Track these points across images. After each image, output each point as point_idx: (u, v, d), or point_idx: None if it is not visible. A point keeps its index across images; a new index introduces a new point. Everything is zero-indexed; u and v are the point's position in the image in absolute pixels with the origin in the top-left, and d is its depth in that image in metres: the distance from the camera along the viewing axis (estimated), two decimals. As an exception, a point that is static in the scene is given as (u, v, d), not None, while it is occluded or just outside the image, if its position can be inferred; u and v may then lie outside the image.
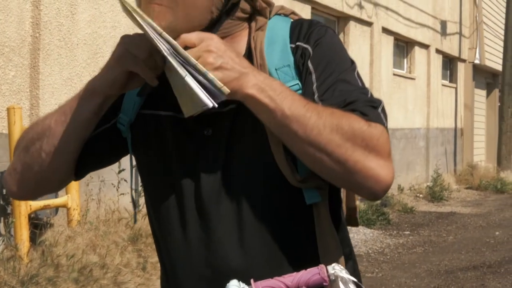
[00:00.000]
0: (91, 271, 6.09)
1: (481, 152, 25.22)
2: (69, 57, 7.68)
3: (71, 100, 1.79)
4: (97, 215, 7.46)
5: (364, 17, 14.72)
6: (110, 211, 7.61)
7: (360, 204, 12.40)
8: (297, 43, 1.77)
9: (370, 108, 1.66)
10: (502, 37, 22.24)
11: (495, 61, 24.79)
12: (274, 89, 1.61)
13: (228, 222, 1.73)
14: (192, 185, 1.76)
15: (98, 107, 1.75)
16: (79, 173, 1.88)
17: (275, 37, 1.79)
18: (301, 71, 1.75)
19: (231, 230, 1.73)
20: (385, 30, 15.97)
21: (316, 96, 1.70)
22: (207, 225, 1.74)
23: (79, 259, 6.18)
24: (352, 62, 1.80)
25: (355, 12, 14.29)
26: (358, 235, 11.05)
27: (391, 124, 16.04)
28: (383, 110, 1.70)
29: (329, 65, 1.74)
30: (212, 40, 1.61)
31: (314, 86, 1.71)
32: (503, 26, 22.37)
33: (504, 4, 22.32)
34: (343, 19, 14.25)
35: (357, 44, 14.59)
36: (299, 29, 1.80)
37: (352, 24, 14.36)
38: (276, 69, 1.75)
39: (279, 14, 1.86)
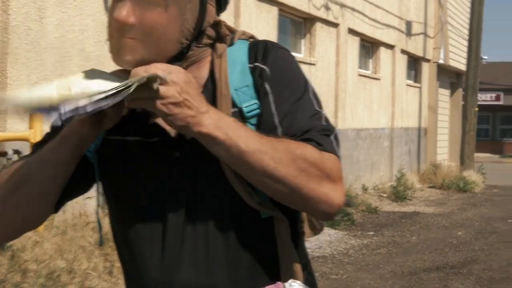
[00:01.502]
0: (58, 276, 6.10)
1: (444, 151, 25.45)
2: (37, 61, 7.66)
3: (51, 143, 1.80)
4: (64, 219, 7.45)
5: (331, 18, 14.81)
6: (78, 215, 7.61)
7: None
8: (255, 64, 1.83)
9: (324, 137, 1.75)
10: (467, 37, 22.48)
11: (459, 61, 25.02)
12: (230, 126, 1.67)
13: (195, 243, 1.78)
14: (159, 208, 1.80)
15: (75, 148, 1.77)
16: (57, 207, 1.90)
17: (235, 59, 1.85)
18: (259, 91, 1.80)
19: (197, 251, 1.78)
20: (351, 31, 16.07)
21: (276, 120, 1.77)
22: (173, 247, 1.78)
23: (46, 264, 6.18)
24: (307, 82, 1.86)
25: (321, 13, 14.37)
26: (323, 236, 11.11)
27: (356, 124, 16.23)
28: (336, 137, 1.79)
29: (286, 87, 1.80)
30: (179, 74, 1.66)
31: (273, 108, 1.78)
32: (467, 26, 22.60)
33: (469, 5, 22.55)
34: (310, 20, 14.33)
35: (324, 45, 14.68)
36: (256, 50, 1.85)
37: (318, 25, 14.44)
38: (235, 90, 1.81)
39: (241, 39, 1.92)
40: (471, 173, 20.56)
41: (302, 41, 14.34)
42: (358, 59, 16.75)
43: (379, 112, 18.08)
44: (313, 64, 14.15)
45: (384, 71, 18.53)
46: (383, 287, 8.26)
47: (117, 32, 1.74)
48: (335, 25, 15.14)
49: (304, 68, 13.17)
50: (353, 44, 16.35)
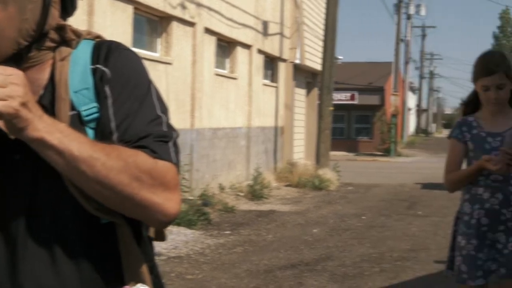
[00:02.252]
0: None
1: (300, 150, 25.84)
2: None
3: None
4: None
5: (187, 17, 14.75)
6: None
7: (181, 204, 12.40)
8: (97, 66, 1.79)
9: (160, 144, 1.74)
10: (322, 38, 22.87)
11: (315, 61, 25.45)
12: (62, 131, 1.63)
13: (37, 250, 1.74)
14: (0, 211, 1.75)
15: None
16: None
17: (77, 60, 1.80)
18: (99, 94, 1.77)
19: (42, 255, 1.74)
20: (208, 31, 16.06)
21: (113, 125, 1.74)
22: (16, 252, 1.74)
23: None
24: (150, 85, 1.83)
25: (177, 12, 14.29)
26: (179, 236, 11.06)
27: (213, 123, 16.24)
28: (175, 143, 1.78)
29: (126, 90, 1.78)
30: (19, 76, 1.60)
31: (110, 112, 1.75)
32: (323, 27, 23.00)
33: (324, 5, 22.94)
34: (166, 19, 14.22)
35: (180, 45, 14.61)
36: (99, 51, 1.82)
37: (174, 24, 14.35)
38: (75, 92, 1.77)
39: (86, 39, 1.87)
40: (327, 171, 20.91)
41: (158, 40, 14.22)
42: (215, 59, 16.76)
43: (235, 112, 18.16)
44: (170, 64, 14.06)
45: (240, 71, 18.63)
46: (238, 286, 8.27)
47: None
48: (191, 24, 15.10)
49: (160, 68, 13.03)
50: (210, 44, 16.35)
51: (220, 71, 17.34)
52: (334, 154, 30.59)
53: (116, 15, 11.81)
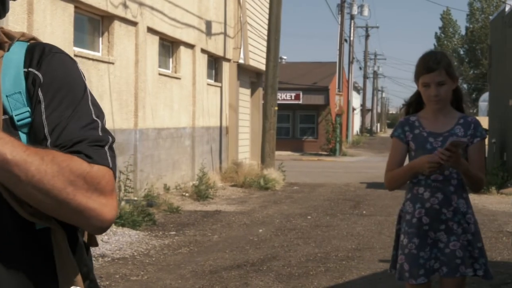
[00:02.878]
0: None
1: (246, 149, 25.84)
2: None
3: None
4: None
5: (129, 16, 14.60)
6: None
7: (126, 205, 12.29)
8: (30, 69, 1.76)
9: (96, 149, 1.72)
10: (266, 38, 22.88)
11: (259, 61, 25.48)
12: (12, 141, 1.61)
13: None
14: None
15: None
16: None
17: (9, 63, 1.77)
18: (32, 99, 1.74)
19: None
20: (151, 30, 15.94)
21: (46, 130, 1.72)
22: None
23: None
24: (85, 90, 1.80)
25: (119, 11, 14.14)
26: (124, 238, 10.94)
27: (157, 123, 16.12)
28: (111, 147, 1.75)
29: (59, 95, 1.75)
30: None
31: (43, 117, 1.72)
32: (266, 27, 23.00)
33: (267, 5, 22.95)
34: (108, 18, 14.06)
35: (122, 44, 14.45)
36: (32, 54, 1.78)
37: (116, 23, 14.20)
38: (7, 96, 1.73)
39: (20, 41, 1.84)
40: (272, 171, 20.93)
41: (100, 39, 14.05)
42: (158, 58, 16.64)
43: (180, 112, 18.05)
44: (112, 63, 13.90)
45: (184, 71, 18.53)
46: (183, 287, 8.20)
47: None
48: (134, 23, 14.96)
49: (103, 67, 12.87)
50: (153, 43, 16.22)
51: (164, 70, 17.23)
52: (280, 154, 30.68)
53: (56, 14, 11.62)
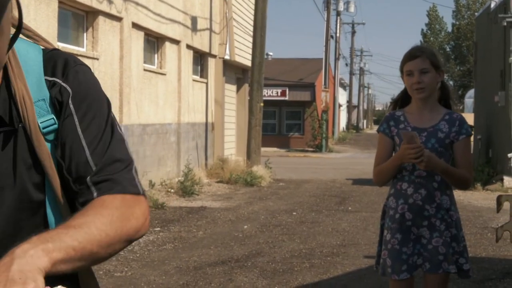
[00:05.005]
0: None
1: (232, 146, 25.81)
2: None
3: None
4: None
5: (114, 12, 14.53)
6: None
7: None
8: (54, 79, 1.78)
9: (126, 173, 1.82)
10: (252, 34, 22.84)
11: (244, 57, 25.45)
12: (52, 240, 1.59)
13: None
14: None
15: None
16: None
17: (27, 67, 1.78)
18: (57, 108, 1.78)
19: None
20: (135, 26, 15.88)
21: (83, 142, 1.77)
22: None
23: None
24: (108, 101, 1.88)
25: (104, 7, 14.06)
26: (108, 234, 10.87)
27: (142, 119, 16.06)
28: (134, 168, 1.87)
29: (90, 107, 1.80)
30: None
31: (79, 129, 1.77)
32: (252, 23, 22.97)
33: (253, 1, 22.91)
34: (92, 13, 13.98)
35: (107, 40, 14.38)
36: (55, 64, 1.81)
37: (101, 19, 14.12)
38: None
39: (26, 37, 1.87)
40: (258, 167, 20.93)
41: (84, 35, 13.97)
42: (143, 54, 16.58)
43: (165, 108, 18.00)
44: (96, 59, 13.83)
45: (169, 66, 18.47)
46: (168, 283, 8.17)
47: None
48: (118, 19, 14.88)
49: (87, 63, 12.79)
50: (138, 39, 16.16)
51: (149, 66, 17.17)
52: (266, 150, 30.67)
53: (40, 9, 11.54)
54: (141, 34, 16.39)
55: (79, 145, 1.75)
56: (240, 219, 13.27)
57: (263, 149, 23.54)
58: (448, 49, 70.40)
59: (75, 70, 1.81)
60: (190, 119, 20.10)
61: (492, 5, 21.82)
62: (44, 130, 1.75)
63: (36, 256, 1.51)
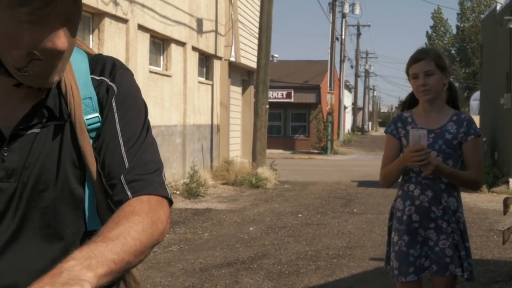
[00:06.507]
0: None
1: (237, 148, 25.81)
2: None
3: None
4: None
5: (120, 14, 14.55)
6: None
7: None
8: (102, 78, 1.87)
9: (156, 176, 1.86)
10: (257, 36, 22.84)
11: (250, 59, 25.45)
12: (95, 256, 1.62)
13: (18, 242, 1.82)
14: None
15: None
16: None
17: (74, 66, 1.87)
18: (103, 106, 1.86)
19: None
20: (141, 27, 15.89)
21: (120, 139, 1.84)
22: None
23: None
24: (146, 106, 1.97)
25: (110, 8, 14.08)
26: (114, 236, 10.88)
27: (148, 121, 16.06)
28: (164, 175, 1.91)
29: (131, 107, 1.88)
30: None
31: (118, 127, 1.85)
32: (257, 25, 22.97)
33: (259, 3, 22.92)
34: (98, 15, 14.00)
35: (113, 41, 14.40)
36: (103, 65, 1.90)
37: (107, 21, 14.15)
38: None
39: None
40: (264, 169, 20.91)
41: (90, 36, 13.99)
42: (149, 56, 16.59)
43: (170, 109, 18.01)
44: (102, 60, 13.83)
45: (175, 68, 18.48)
46: (173, 284, 8.16)
47: (50, 57, 1.71)
48: (124, 21, 14.90)
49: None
50: (144, 41, 16.17)
51: (155, 68, 17.18)
52: (271, 152, 30.65)
53: (46, 11, 11.55)
54: (147, 36, 16.41)
55: (116, 141, 1.83)
56: (246, 221, 13.26)
57: (268, 151, 23.53)
58: (453, 51, 70.33)
59: (121, 72, 1.90)
60: (195, 121, 20.10)
61: (498, 7, 21.81)
62: (89, 127, 1.83)
63: (82, 272, 1.55)
